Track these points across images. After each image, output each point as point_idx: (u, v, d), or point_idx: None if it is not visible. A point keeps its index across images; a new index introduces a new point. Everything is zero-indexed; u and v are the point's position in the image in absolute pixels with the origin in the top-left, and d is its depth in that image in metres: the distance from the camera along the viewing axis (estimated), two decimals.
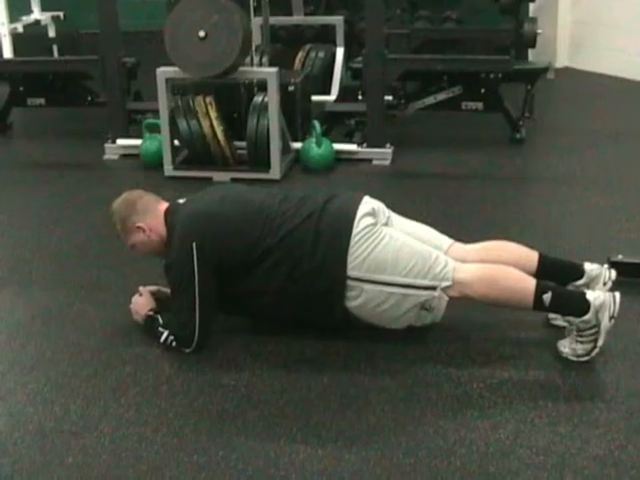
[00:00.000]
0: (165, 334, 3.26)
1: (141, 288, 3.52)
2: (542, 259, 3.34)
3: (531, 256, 3.35)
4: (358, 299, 3.14)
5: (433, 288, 3.11)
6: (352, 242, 3.11)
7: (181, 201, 3.44)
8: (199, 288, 3.16)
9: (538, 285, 3.09)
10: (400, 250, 3.13)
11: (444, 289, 3.11)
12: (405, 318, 3.18)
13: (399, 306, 3.14)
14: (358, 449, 2.66)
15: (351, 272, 3.11)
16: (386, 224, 3.29)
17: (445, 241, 3.38)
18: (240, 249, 3.19)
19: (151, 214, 3.38)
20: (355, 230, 3.13)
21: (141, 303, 3.46)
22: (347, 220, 3.17)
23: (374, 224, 3.19)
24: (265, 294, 3.22)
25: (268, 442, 2.70)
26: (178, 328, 3.25)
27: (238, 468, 2.58)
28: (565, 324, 3.18)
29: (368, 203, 3.30)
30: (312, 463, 2.59)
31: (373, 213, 3.25)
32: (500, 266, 3.18)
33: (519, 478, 2.49)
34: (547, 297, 3.05)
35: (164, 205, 3.43)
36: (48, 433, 2.79)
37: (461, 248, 3.37)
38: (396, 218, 3.40)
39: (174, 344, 3.26)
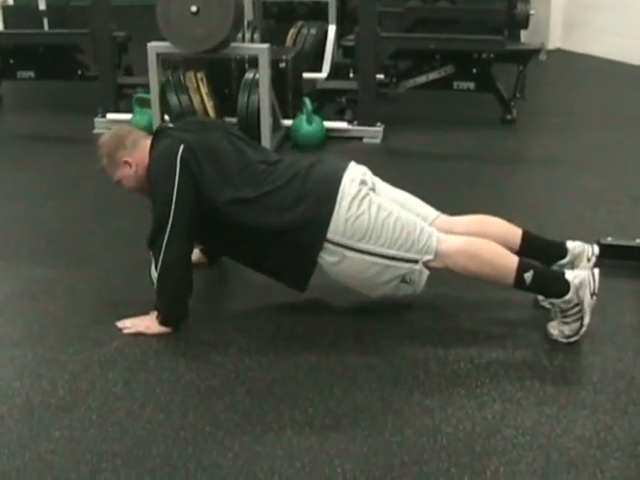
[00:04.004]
0: (152, 263, 3.22)
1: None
2: (526, 236, 3.33)
3: (515, 232, 3.34)
4: (339, 264, 3.12)
5: (415, 261, 3.09)
6: (338, 206, 3.09)
7: (171, 125, 3.42)
8: (178, 182, 3.10)
9: (520, 263, 3.08)
10: (386, 220, 3.10)
11: (426, 262, 3.10)
12: (384, 288, 3.17)
13: (379, 276, 3.12)
14: (345, 427, 2.66)
15: (334, 236, 3.08)
16: (373, 189, 3.26)
17: (431, 212, 3.36)
18: (217, 185, 3.18)
19: (138, 149, 3.36)
20: (342, 194, 3.11)
21: (147, 319, 3.27)
22: (333, 184, 3.15)
23: (363, 190, 3.15)
24: (240, 236, 3.21)
25: (255, 419, 2.71)
26: (153, 226, 3.17)
27: (225, 444, 2.58)
28: (550, 306, 3.18)
29: (355, 169, 3.28)
30: (299, 440, 2.60)
31: (362, 178, 3.22)
32: (484, 240, 3.16)
33: (505, 458, 2.50)
34: (528, 276, 3.05)
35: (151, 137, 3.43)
36: (35, 407, 2.78)
37: (447, 220, 3.35)
38: (382, 184, 3.37)
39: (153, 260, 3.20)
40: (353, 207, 3.10)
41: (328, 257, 3.12)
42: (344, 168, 3.25)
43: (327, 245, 3.11)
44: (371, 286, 3.20)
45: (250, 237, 3.20)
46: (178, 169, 3.13)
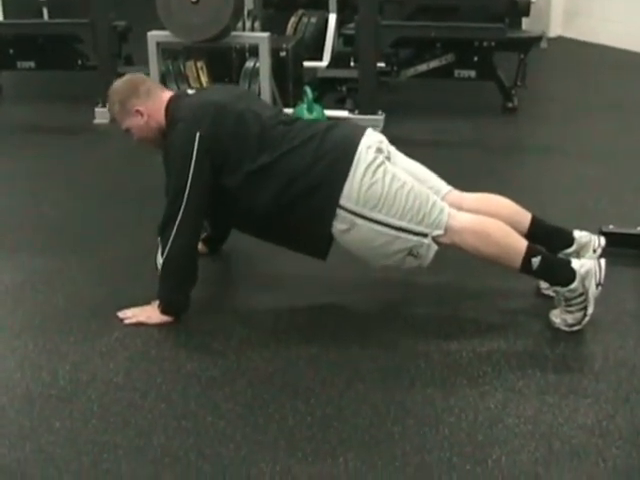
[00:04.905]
0: (159, 248, 3.20)
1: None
2: (535, 221, 3.31)
3: (525, 215, 3.31)
4: (349, 232, 3.08)
5: (424, 235, 3.06)
6: (353, 172, 3.06)
7: (190, 91, 3.36)
8: (193, 173, 3.08)
9: (529, 247, 3.06)
10: (399, 190, 3.06)
11: (435, 237, 3.07)
12: (391, 259, 3.14)
13: (387, 246, 3.09)
14: (347, 417, 2.65)
15: (346, 203, 3.05)
16: (388, 158, 3.22)
17: (443, 186, 3.33)
18: (237, 154, 3.15)
19: (153, 99, 3.31)
20: (357, 160, 3.08)
21: (149, 309, 3.27)
22: (350, 148, 3.12)
23: (379, 158, 3.12)
24: (255, 208, 3.17)
25: (256, 409, 2.70)
26: (165, 214, 3.16)
27: (226, 434, 2.57)
28: (554, 294, 3.17)
29: (372, 136, 3.24)
30: (300, 430, 2.59)
31: (378, 146, 3.19)
32: (495, 220, 3.13)
33: (507, 447, 2.50)
34: (536, 261, 3.03)
35: (168, 93, 3.37)
36: (36, 398, 2.78)
37: (458, 196, 3.32)
38: (397, 154, 3.34)
39: (160, 252, 3.19)
40: (368, 174, 3.06)
41: (339, 224, 3.08)
42: (361, 134, 3.22)
43: (339, 211, 3.06)
44: (378, 256, 3.16)
45: (263, 209, 3.15)
46: (194, 161, 3.09)
